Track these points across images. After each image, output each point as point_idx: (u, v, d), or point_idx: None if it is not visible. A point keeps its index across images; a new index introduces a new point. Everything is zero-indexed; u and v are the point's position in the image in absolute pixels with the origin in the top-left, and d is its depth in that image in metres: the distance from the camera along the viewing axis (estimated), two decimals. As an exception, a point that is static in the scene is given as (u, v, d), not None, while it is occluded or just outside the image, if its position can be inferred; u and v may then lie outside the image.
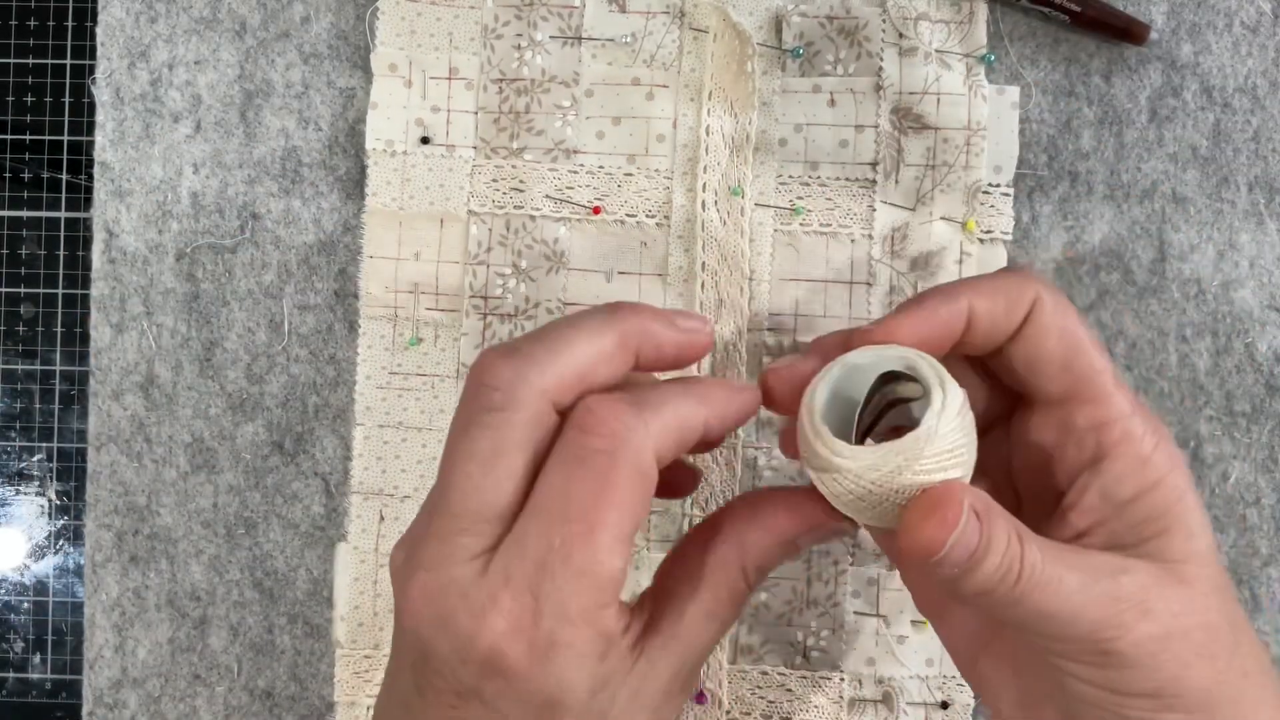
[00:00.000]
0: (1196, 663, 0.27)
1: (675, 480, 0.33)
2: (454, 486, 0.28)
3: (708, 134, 0.41)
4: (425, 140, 0.42)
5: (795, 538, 0.30)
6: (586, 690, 0.28)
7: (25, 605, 0.44)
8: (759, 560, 0.30)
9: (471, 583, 0.27)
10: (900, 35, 0.41)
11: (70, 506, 0.44)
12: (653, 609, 0.30)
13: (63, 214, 0.45)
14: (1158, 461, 0.28)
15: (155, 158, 0.42)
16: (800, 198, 0.41)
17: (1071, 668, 0.28)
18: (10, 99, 0.45)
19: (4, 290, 0.45)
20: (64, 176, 0.46)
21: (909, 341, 0.29)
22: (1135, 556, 0.28)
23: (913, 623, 0.41)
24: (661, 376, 0.32)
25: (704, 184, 0.41)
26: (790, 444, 0.30)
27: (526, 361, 0.28)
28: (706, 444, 0.30)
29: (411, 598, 0.28)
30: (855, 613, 0.41)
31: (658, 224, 0.41)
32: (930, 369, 0.27)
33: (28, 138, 0.45)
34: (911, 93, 0.41)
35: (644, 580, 0.41)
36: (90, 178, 0.43)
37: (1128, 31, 0.41)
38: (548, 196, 0.41)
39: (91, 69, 0.43)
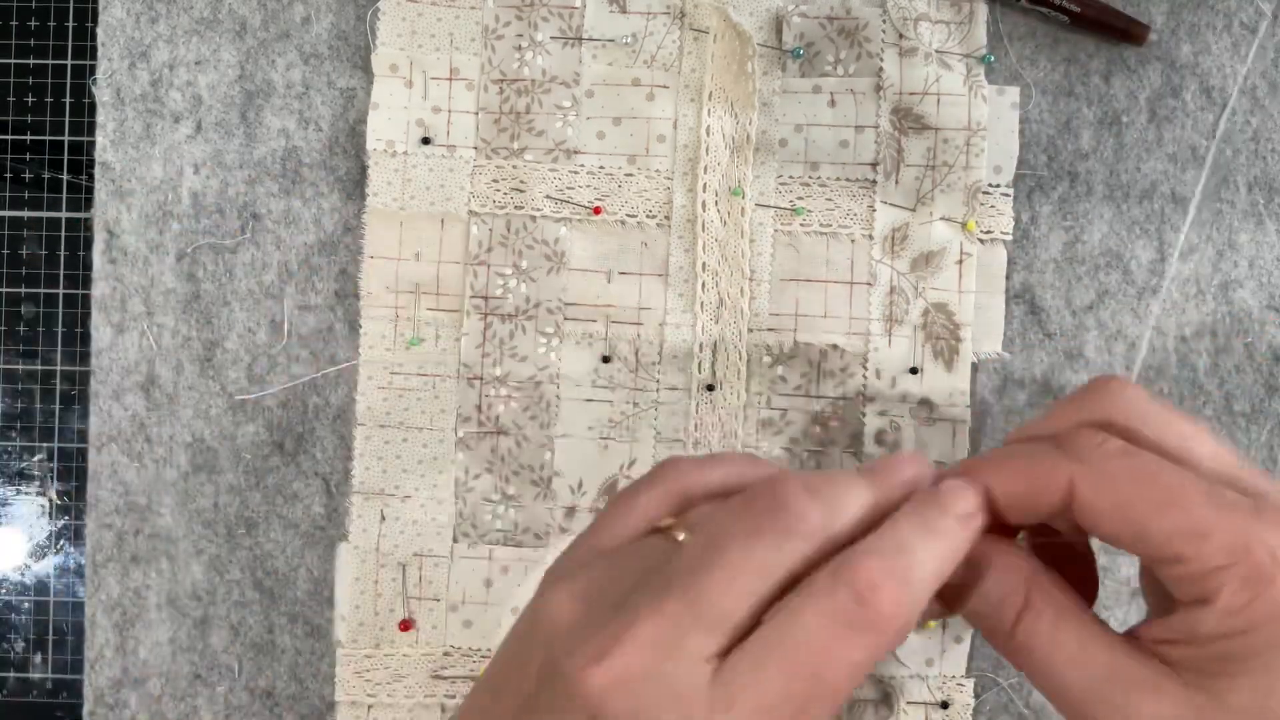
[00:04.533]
0: None
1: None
2: (714, 576, 0.26)
3: (708, 134, 0.41)
4: (426, 140, 0.42)
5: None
6: None
7: (26, 605, 0.44)
8: None
9: (691, 687, 0.25)
10: (900, 36, 0.41)
11: (71, 506, 0.44)
12: None
13: (63, 214, 0.45)
14: (1250, 613, 0.25)
15: (156, 158, 0.42)
16: (800, 198, 0.41)
17: None
18: (10, 99, 0.45)
19: (4, 290, 0.45)
20: (64, 176, 0.46)
21: None
22: (1198, 682, 0.25)
23: (913, 622, 0.41)
24: None
25: (704, 184, 0.41)
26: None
27: (832, 512, 0.26)
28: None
29: (601, 680, 0.25)
30: (855, 612, 0.41)
31: (658, 224, 0.41)
32: None
33: (28, 138, 0.45)
34: (911, 93, 0.41)
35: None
36: (91, 178, 0.43)
37: (1127, 32, 0.41)
38: (548, 197, 0.41)
39: (92, 69, 0.43)
